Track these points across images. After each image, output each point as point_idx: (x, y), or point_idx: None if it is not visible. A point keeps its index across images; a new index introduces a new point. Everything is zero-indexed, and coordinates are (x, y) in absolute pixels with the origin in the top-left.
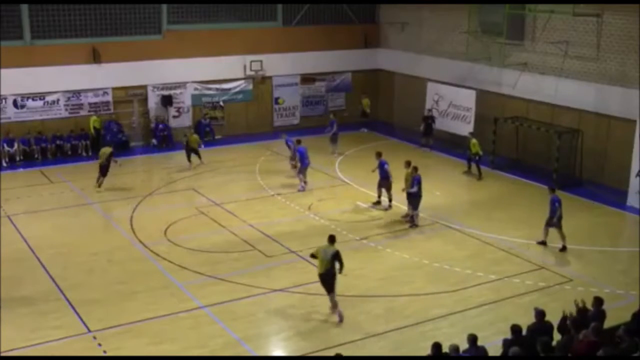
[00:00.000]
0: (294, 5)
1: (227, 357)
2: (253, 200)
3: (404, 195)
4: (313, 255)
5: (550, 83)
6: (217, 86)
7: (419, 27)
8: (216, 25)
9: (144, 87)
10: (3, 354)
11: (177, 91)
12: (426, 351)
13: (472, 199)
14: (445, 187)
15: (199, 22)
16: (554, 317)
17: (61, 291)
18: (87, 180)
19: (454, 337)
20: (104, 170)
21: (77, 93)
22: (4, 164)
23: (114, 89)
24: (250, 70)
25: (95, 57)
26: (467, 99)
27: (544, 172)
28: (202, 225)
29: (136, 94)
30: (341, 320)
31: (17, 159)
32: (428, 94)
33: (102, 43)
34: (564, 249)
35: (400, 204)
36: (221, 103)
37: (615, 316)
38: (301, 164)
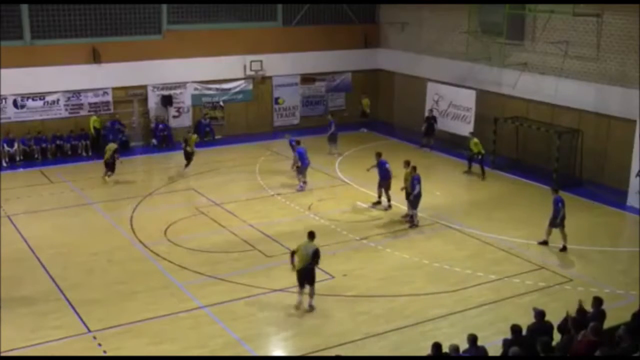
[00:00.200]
0: (294, 5)
1: (227, 357)
2: (253, 200)
3: (404, 194)
4: (293, 253)
5: (550, 83)
6: (217, 86)
7: (419, 27)
8: (216, 25)
9: (144, 87)
10: (3, 354)
11: (177, 91)
12: (426, 351)
13: (472, 199)
14: (445, 187)
15: (199, 22)
16: (553, 317)
17: (61, 291)
18: (87, 180)
19: (454, 337)
20: (110, 167)
21: (77, 93)
22: (4, 164)
23: (114, 89)
24: (250, 70)
25: (95, 57)
26: (467, 99)
27: (544, 172)
28: (202, 225)
29: (136, 94)
30: (311, 309)
31: (17, 159)
32: (428, 94)
33: (102, 43)
34: (564, 249)
35: (400, 204)
36: (221, 103)
37: (615, 316)
38: (301, 164)
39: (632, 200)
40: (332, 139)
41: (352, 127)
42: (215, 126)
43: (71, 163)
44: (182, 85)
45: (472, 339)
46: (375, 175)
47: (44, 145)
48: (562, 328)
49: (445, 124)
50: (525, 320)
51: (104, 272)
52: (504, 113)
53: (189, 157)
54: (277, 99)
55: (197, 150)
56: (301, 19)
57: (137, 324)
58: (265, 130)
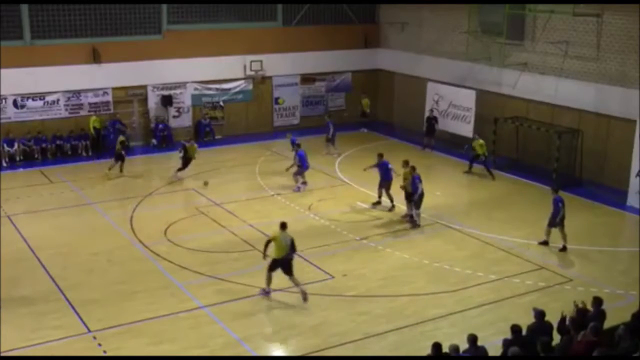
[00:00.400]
0: (294, 5)
1: (227, 357)
2: (253, 200)
3: (403, 194)
4: (268, 242)
5: (550, 83)
6: (217, 86)
7: (419, 27)
8: (216, 25)
9: (144, 87)
10: (3, 354)
11: (177, 91)
12: (426, 351)
13: (472, 199)
14: (445, 187)
15: (199, 22)
16: (554, 317)
17: (61, 291)
18: (87, 180)
19: (454, 337)
20: (118, 158)
21: (77, 93)
22: (4, 164)
23: (114, 89)
24: (250, 70)
25: (95, 57)
26: (467, 99)
27: (544, 172)
28: (202, 225)
29: (136, 94)
30: (305, 298)
31: (17, 159)
32: (428, 94)
33: (102, 43)
34: (564, 249)
35: (400, 204)
36: (221, 103)
37: (615, 316)
38: (301, 167)
39: (632, 200)
40: (331, 140)
41: (352, 127)
42: (215, 126)
43: (71, 163)
44: (182, 85)
45: (472, 339)
46: (374, 175)
47: (44, 145)
48: (560, 329)
49: (445, 124)
50: (525, 320)
51: (104, 272)
52: (504, 113)
53: (186, 163)
54: (277, 99)
55: (197, 156)
56: (301, 19)
57: (137, 324)
58: (265, 130)
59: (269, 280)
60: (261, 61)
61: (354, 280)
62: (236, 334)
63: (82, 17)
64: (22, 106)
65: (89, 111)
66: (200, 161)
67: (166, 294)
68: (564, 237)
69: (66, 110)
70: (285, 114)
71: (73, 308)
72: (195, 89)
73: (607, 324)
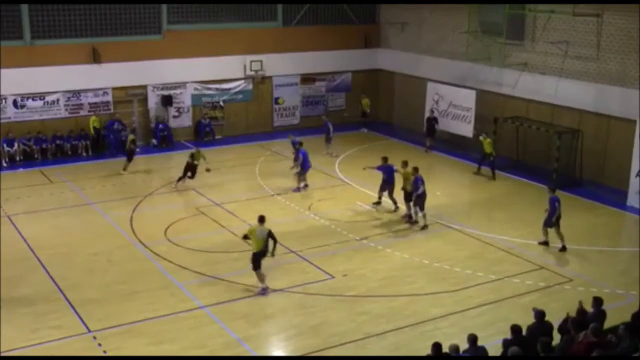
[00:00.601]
0: (294, 5)
1: (227, 357)
2: (253, 200)
3: (402, 195)
4: (246, 236)
5: (550, 83)
6: (217, 86)
7: (419, 27)
8: (216, 25)
9: (144, 87)
10: (3, 354)
11: (177, 91)
12: (426, 351)
13: (472, 199)
14: (445, 187)
15: (199, 22)
16: (553, 317)
17: (61, 291)
18: (87, 180)
19: (454, 337)
20: (129, 155)
21: (77, 93)
22: (4, 164)
23: (114, 89)
24: (250, 70)
25: (95, 57)
26: (467, 99)
27: (544, 172)
28: (202, 225)
29: (136, 94)
30: (264, 292)
31: (17, 159)
32: (428, 94)
33: (102, 43)
34: (563, 248)
35: (400, 205)
36: (221, 103)
37: (615, 316)
38: (303, 166)
39: (632, 200)
40: (329, 140)
41: (352, 127)
42: (215, 126)
43: (71, 163)
44: (182, 85)
45: (472, 339)
46: (374, 175)
47: (44, 145)
48: (562, 329)
49: (445, 124)
50: (525, 320)
51: (104, 272)
52: (504, 113)
53: (193, 171)
54: (277, 99)
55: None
56: (301, 19)
57: (137, 324)
58: (265, 130)
59: (261, 277)
60: (261, 61)
61: (354, 280)
62: (236, 334)
63: (82, 17)
64: (22, 106)
65: (89, 111)
66: (200, 161)
67: (166, 294)
68: (561, 237)
69: (66, 110)
70: (285, 114)
71: (73, 308)
72: (195, 89)
73: (607, 324)
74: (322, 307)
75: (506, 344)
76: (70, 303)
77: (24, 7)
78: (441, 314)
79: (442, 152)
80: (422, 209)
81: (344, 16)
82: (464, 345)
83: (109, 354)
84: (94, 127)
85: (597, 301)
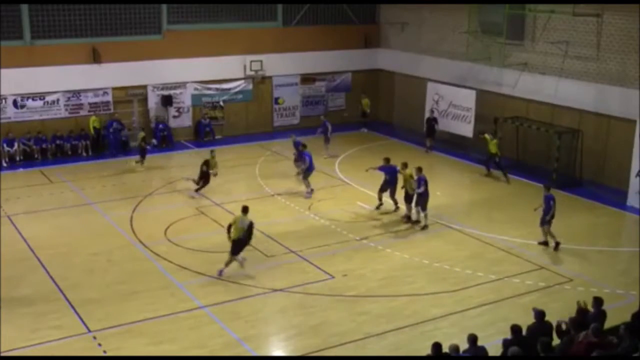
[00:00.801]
0: (294, 5)
1: (227, 357)
2: (253, 200)
3: (402, 195)
4: (230, 226)
5: (550, 83)
6: (217, 86)
7: (419, 27)
8: (216, 25)
9: (144, 87)
10: (3, 354)
11: (177, 91)
12: (426, 351)
13: (472, 199)
14: (445, 187)
15: (199, 22)
16: (553, 318)
17: (61, 291)
18: (87, 180)
19: (454, 337)
20: (143, 152)
21: (77, 93)
22: (4, 164)
23: (114, 89)
24: (250, 70)
25: (95, 57)
26: (467, 99)
27: (544, 172)
28: (202, 225)
29: (136, 94)
30: (220, 274)
31: (17, 159)
32: (428, 94)
33: (102, 43)
34: (557, 246)
35: (401, 205)
36: (221, 103)
37: (615, 316)
38: (308, 169)
39: (632, 200)
40: (328, 140)
41: (352, 127)
42: (215, 126)
43: (71, 163)
44: (182, 85)
45: (472, 339)
46: (374, 175)
47: (44, 145)
48: (558, 332)
49: (445, 124)
50: (525, 320)
51: (104, 272)
52: (504, 113)
53: (206, 178)
54: (277, 99)
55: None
56: (301, 19)
57: (137, 324)
58: (265, 130)
59: (229, 262)
60: (261, 61)
61: (354, 280)
62: (236, 334)
63: (82, 17)
64: (22, 106)
65: (89, 111)
66: (200, 161)
67: (166, 294)
68: (552, 235)
69: (66, 110)
70: (285, 114)
71: (73, 308)
72: (195, 89)
73: (607, 324)
74: (322, 307)
75: (506, 344)
76: (70, 303)
77: (24, 7)
78: (441, 314)
79: (442, 152)
80: (424, 209)
81: (344, 16)
82: (464, 345)
83: (109, 354)
84: (94, 127)
85: (597, 301)
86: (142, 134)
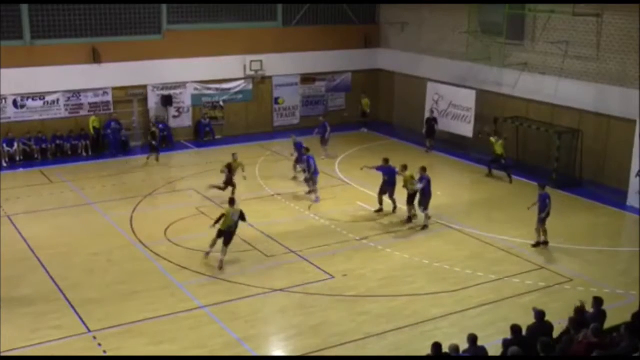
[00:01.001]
0: (294, 5)
1: (227, 357)
2: (253, 200)
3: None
4: (222, 216)
5: (550, 83)
6: (217, 86)
7: (419, 27)
8: (216, 25)
9: (144, 87)
10: (3, 354)
11: (177, 91)
12: (426, 351)
13: (472, 199)
14: (445, 187)
15: (199, 22)
16: (553, 318)
17: (61, 291)
18: (87, 180)
19: (454, 337)
20: (153, 148)
21: (77, 93)
22: (4, 164)
23: (114, 89)
24: (250, 70)
25: (95, 57)
26: (467, 99)
27: (544, 172)
28: (203, 225)
29: (136, 94)
30: (221, 267)
31: (17, 159)
32: (428, 94)
33: (102, 43)
34: (545, 243)
35: (402, 205)
36: (221, 103)
37: (615, 316)
38: (314, 173)
39: (632, 200)
40: (326, 141)
41: (352, 127)
42: (215, 126)
43: (71, 163)
44: (182, 85)
45: (472, 338)
46: (374, 176)
47: (44, 145)
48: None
49: (445, 124)
50: (525, 320)
51: (104, 272)
52: (504, 113)
53: (232, 183)
54: (277, 99)
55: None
56: (301, 19)
57: (137, 324)
58: (265, 130)
59: (213, 243)
60: (261, 61)
61: (354, 280)
62: (236, 334)
63: (82, 17)
64: (22, 106)
65: (89, 111)
66: (200, 161)
67: (166, 294)
68: (545, 233)
69: (66, 110)
70: (285, 114)
71: (73, 308)
72: (195, 89)
73: (607, 324)
74: (322, 307)
75: (506, 344)
76: (70, 303)
77: (24, 7)
78: (441, 314)
79: (442, 152)
80: (425, 208)
81: (344, 16)
82: (464, 345)
83: (109, 354)
84: (94, 127)
85: (597, 301)
86: (152, 129)
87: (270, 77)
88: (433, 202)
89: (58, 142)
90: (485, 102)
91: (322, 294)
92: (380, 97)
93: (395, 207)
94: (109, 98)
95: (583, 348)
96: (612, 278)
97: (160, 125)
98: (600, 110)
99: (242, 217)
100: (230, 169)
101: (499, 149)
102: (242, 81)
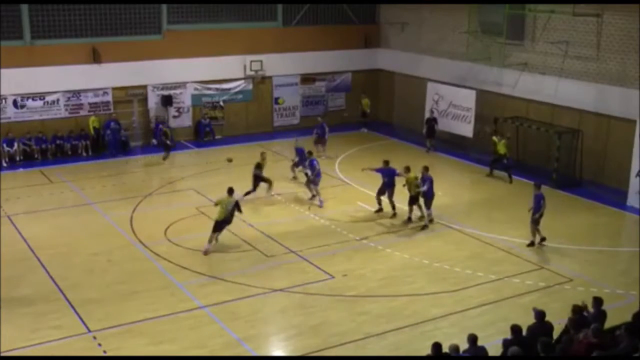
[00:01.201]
0: (294, 5)
1: (227, 357)
2: (253, 201)
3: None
4: (216, 205)
5: (550, 83)
6: (217, 86)
7: (419, 27)
8: (216, 25)
9: (144, 87)
10: (3, 354)
11: (177, 91)
12: (426, 351)
13: (472, 199)
14: (445, 187)
15: (199, 22)
16: (554, 318)
17: (61, 291)
18: (87, 180)
19: (454, 337)
20: (167, 147)
21: (77, 93)
22: (4, 164)
23: (114, 89)
24: (250, 70)
25: (95, 57)
26: (467, 99)
27: (544, 172)
28: (202, 225)
29: (136, 94)
30: (206, 253)
31: (17, 159)
32: (428, 94)
33: (102, 43)
34: (542, 240)
35: (402, 205)
36: (221, 103)
37: (615, 316)
38: (316, 176)
39: (632, 200)
40: (323, 142)
41: (352, 127)
42: (215, 126)
43: (71, 163)
44: (182, 85)
45: (472, 338)
46: (374, 176)
47: (44, 145)
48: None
49: (445, 124)
50: (525, 320)
51: (104, 272)
52: (504, 113)
53: (263, 179)
54: (277, 99)
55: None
56: (301, 19)
57: (137, 324)
58: (265, 130)
59: (211, 240)
60: (261, 61)
61: (354, 280)
62: (236, 334)
63: (82, 17)
64: (22, 106)
65: (89, 111)
66: (200, 161)
67: (166, 294)
68: (538, 233)
69: (66, 110)
70: (285, 114)
71: (73, 308)
72: (195, 89)
73: (607, 324)
74: (322, 307)
75: (506, 344)
76: (70, 303)
77: (24, 7)
78: (441, 314)
79: (442, 152)
80: (428, 207)
81: (344, 16)
82: (464, 345)
83: (109, 354)
84: (94, 127)
85: (597, 301)
86: (164, 129)
87: (270, 77)
88: (434, 202)
89: (58, 142)
90: (485, 102)
91: (322, 294)
92: (380, 97)
93: (394, 213)
94: (109, 98)
95: (583, 348)
96: (612, 278)
97: (161, 126)
98: (600, 110)
99: (237, 206)
100: (260, 168)
101: (501, 148)
102: (242, 81)
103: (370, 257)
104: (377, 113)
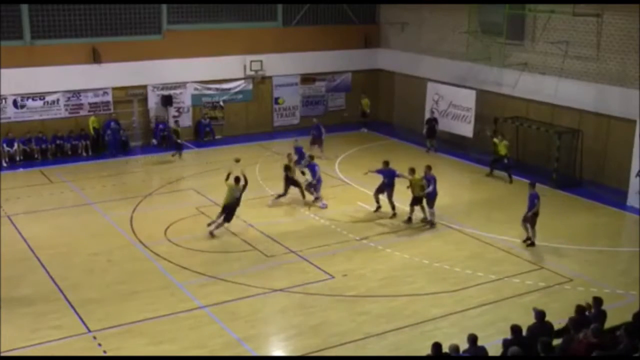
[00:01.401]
0: (294, 5)
1: (227, 357)
2: (253, 200)
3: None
4: (227, 176)
5: (550, 83)
6: (217, 86)
7: (419, 27)
8: (216, 25)
9: (144, 87)
10: (3, 354)
11: (177, 91)
12: (426, 351)
13: (472, 199)
14: (445, 187)
15: (199, 22)
16: (554, 318)
17: (61, 291)
18: (87, 180)
19: (454, 337)
20: (178, 146)
21: (77, 93)
22: (4, 164)
23: (114, 89)
24: (250, 70)
25: (95, 57)
26: (467, 99)
27: (544, 172)
28: (203, 225)
29: (136, 94)
30: (212, 234)
31: (17, 159)
32: (428, 94)
33: (102, 43)
34: (531, 243)
35: (403, 205)
36: (221, 103)
37: (615, 316)
38: (317, 181)
39: (632, 200)
40: (320, 143)
41: (352, 127)
42: (215, 126)
43: (71, 163)
44: (182, 85)
45: (472, 338)
46: (374, 177)
47: (44, 145)
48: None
49: (445, 124)
50: (525, 320)
51: (104, 272)
52: (504, 113)
53: (294, 183)
54: (277, 99)
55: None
56: (301, 19)
57: (137, 324)
58: (265, 130)
59: (217, 222)
60: (261, 61)
61: (354, 280)
62: (236, 334)
63: (82, 17)
64: (22, 106)
65: (89, 111)
66: (200, 161)
67: (166, 294)
68: (534, 233)
69: (66, 110)
70: (285, 114)
71: (73, 308)
72: (195, 89)
73: (607, 324)
74: (322, 307)
75: (506, 344)
76: (70, 303)
77: (24, 7)
78: (441, 314)
79: (442, 152)
80: (431, 207)
81: (344, 16)
82: (464, 345)
83: (109, 354)
84: (94, 128)
85: (597, 301)
86: (174, 128)
87: (270, 77)
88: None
89: (58, 142)
90: (485, 102)
91: (322, 294)
92: (380, 97)
93: (394, 213)
94: (109, 98)
95: (583, 348)
96: (612, 278)
97: (161, 126)
98: (600, 110)
99: (242, 191)
100: (289, 170)
101: (502, 149)
102: (242, 81)
103: (370, 257)
104: (377, 113)
